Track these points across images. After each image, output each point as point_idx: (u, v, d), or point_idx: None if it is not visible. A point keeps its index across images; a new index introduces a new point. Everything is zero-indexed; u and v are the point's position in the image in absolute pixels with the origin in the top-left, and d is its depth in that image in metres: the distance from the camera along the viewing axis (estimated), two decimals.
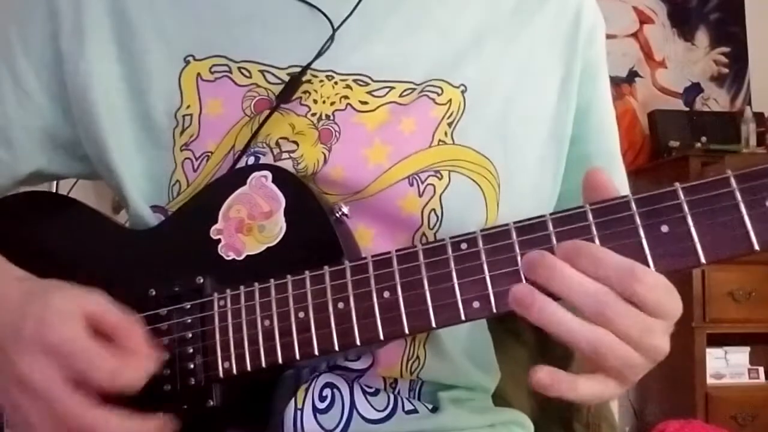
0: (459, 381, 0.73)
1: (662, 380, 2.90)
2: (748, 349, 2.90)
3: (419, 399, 0.72)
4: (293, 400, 0.66)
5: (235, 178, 0.67)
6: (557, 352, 0.97)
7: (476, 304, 0.56)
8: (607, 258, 0.53)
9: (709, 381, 2.74)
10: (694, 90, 3.36)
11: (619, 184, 0.81)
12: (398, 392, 0.71)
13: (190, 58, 0.73)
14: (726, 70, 3.40)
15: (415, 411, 0.70)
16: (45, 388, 0.59)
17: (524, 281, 0.55)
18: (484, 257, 0.56)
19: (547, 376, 0.53)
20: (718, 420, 2.62)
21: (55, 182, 2.04)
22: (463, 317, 0.56)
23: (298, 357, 0.60)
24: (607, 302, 0.52)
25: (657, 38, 3.37)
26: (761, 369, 2.89)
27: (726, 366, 2.84)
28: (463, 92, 0.72)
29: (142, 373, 0.60)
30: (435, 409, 0.71)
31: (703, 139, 3.02)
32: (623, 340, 0.53)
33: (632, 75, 3.32)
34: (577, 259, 0.53)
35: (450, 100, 0.72)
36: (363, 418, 0.68)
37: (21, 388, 0.59)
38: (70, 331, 0.59)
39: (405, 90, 0.72)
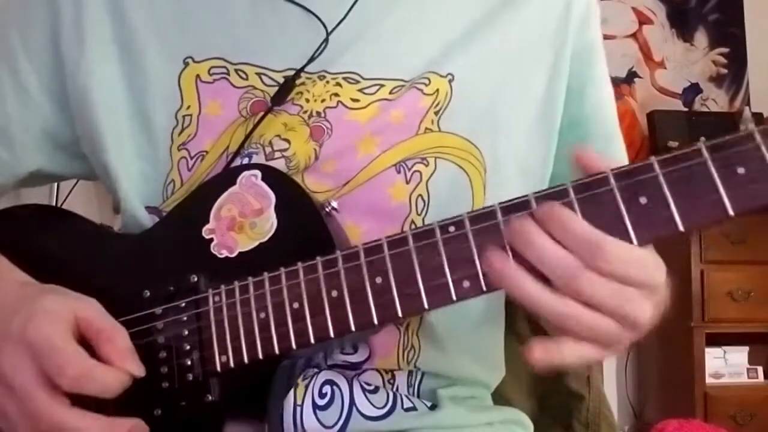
0: (456, 373, 0.74)
1: (661, 380, 2.90)
2: (746, 348, 2.90)
3: (418, 396, 0.72)
4: (293, 396, 0.67)
5: (226, 178, 0.68)
6: None
7: (466, 284, 0.57)
8: (574, 227, 0.53)
9: (708, 380, 2.73)
10: (693, 90, 3.37)
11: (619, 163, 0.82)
12: (397, 389, 0.71)
13: (189, 60, 0.74)
14: (725, 71, 3.40)
15: (414, 408, 0.70)
16: (18, 384, 0.59)
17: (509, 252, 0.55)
18: (471, 238, 0.57)
19: (541, 351, 0.54)
20: (717, 419, 2.62)
21: (56, 183, 2.05)
22: (454, 297, 0.57)
23: (294, 346, 0.60)
24: (575, 273, 0.52)
25: (656, 39, 3.37)
26: (760, 369, 2.89)
27: (725, 365, 2.84)
28: (450, 81, 0.73)
29: (111, 382, 0.59)
30: (434, 407, 0.71)
31: (702, 139, 3.02)
32: (596, 310, 0.52)
33: (631, 75, 3.32)
34: (549, 223, 0.53)
35: (437, 90, 0.73)
36: (362, 415, 0.68)
37: (1, 382, 0.60)
38: (50, 330, 0.59)
39: (395, 87, 0.72)
